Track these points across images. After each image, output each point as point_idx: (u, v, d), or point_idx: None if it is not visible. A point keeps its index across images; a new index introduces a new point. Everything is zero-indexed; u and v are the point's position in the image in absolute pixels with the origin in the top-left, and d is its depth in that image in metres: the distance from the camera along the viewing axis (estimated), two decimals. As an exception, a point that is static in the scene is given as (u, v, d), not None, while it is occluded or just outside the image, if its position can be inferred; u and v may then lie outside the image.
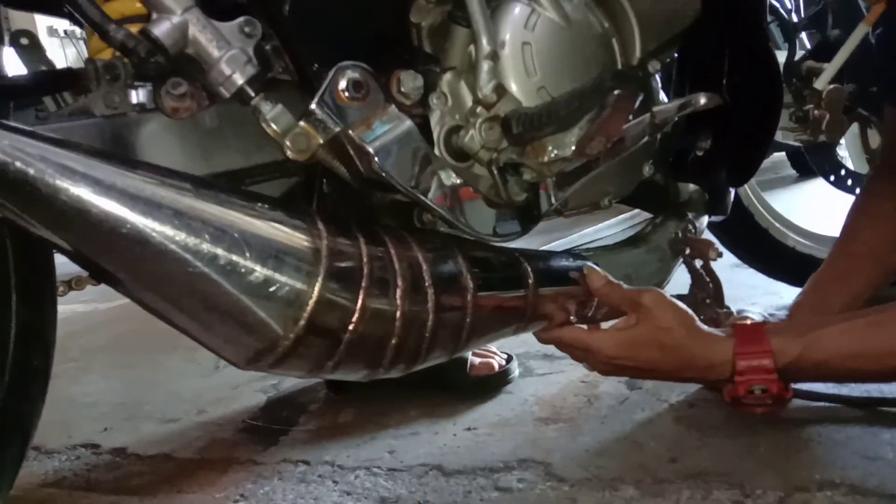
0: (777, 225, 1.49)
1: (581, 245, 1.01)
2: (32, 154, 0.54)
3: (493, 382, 1.22)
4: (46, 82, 0.68)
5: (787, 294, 1.57)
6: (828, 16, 1.29)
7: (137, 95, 0.67)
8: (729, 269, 1.56)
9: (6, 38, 0.77)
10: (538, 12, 0.78)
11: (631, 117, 0.69)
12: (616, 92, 0.62)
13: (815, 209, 1.83)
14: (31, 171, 0.54)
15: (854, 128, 1.37)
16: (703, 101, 0.76)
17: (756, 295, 1.60)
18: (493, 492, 0.88)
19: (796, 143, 1.34)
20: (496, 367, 1.23)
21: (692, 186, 1.08)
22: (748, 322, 0.89)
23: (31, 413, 0.69)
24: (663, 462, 0.89)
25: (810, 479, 0.81)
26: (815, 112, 1.26)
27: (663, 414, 1.03)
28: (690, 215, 1.09)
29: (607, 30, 0.84)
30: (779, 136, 1.25)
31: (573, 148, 0.67)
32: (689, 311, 0.84)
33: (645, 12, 0.86)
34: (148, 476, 1.09)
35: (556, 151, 0.68)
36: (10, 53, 0.78)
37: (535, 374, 1.26)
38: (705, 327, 0.82)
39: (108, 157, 0.58)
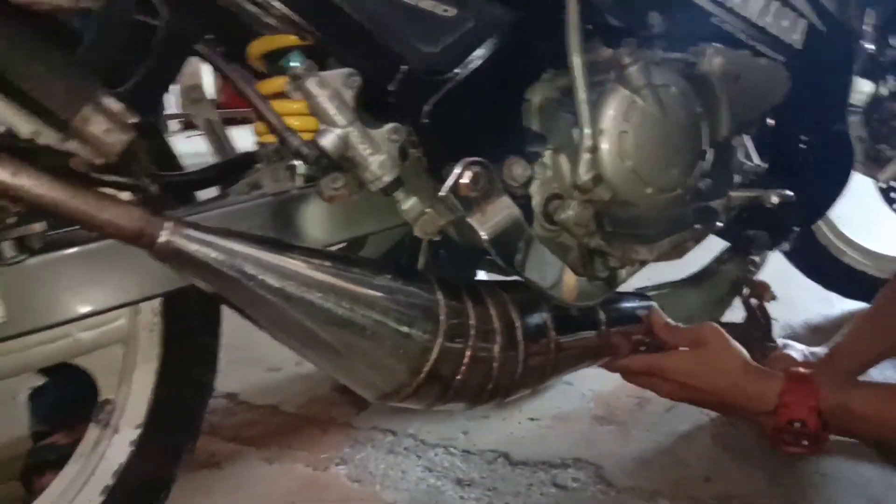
0: (837, 242, 1.57)
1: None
2: (218, 247, 0.69)
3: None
4: (229, 170, 0.83)
5: (837, 302, 1.67)
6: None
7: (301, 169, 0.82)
8: (785, 268, 1.65)
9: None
10: (637, 103, 0.88)
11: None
12: (696, 227, 0.74)
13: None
14: (217, 258, 0.69)
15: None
16: (774, 199, 0.87)
17: (808, 300, 1.70)
18: (552, 487, 1.06)
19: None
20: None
21: (757, 227, 1.19)
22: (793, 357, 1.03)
23: (202, 412, 0.88)
24: (698, 480, 1.05)
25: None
26: (888, 152, 1.33)
27: (704, 429, 1.19)
28: (753, 253, 1.20)
29: (699, 115, 0.93)
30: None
31: (655, 255, 0.79)
32: (743, 349, 0.97)
33: (737, 95, 0.95)
34: (260, 427, 1.31)
35: (640, 254, 0.81)
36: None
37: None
38: (755, 364, 0.95)
39: (281, 246, 0.73)
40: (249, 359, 1.58)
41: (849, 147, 1.11)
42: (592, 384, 1.35)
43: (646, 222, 0.76)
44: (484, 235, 0.81)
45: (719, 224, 1.00)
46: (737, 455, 1.11)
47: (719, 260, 1.19)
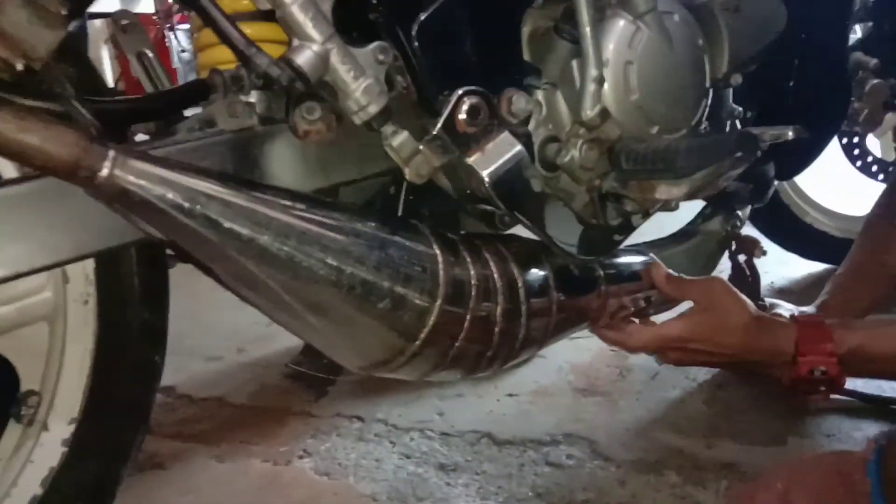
0: (799, 202, 1.55)
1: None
2: (176, 184, 0.55)
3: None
4: (175, 101, 0.69)
5: (795, 263, 1.65)
6: (883, 8, 1.30)
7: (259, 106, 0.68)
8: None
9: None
10: (642, 31, 0.79)
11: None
12: (738, 155, 0.65)
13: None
14: (175, 198, 0.55)
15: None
16: (790, 134, 0.80)
17: (768, 262, 1.67)
18: (546, 467, 0.97)
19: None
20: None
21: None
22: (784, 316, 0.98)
23: (151, 400, 0.73)
24: (701, 448, 0.98)
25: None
26: (855, 104, 1.30)
27: (694, 394, 1.12)
28: (736, 207, 1.14)
29: (701, 47, 0.85)
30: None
31: (683, 194, 0.70)
32: (748, 299, 0.90)
33: (737, 28, 0.88)
34: (207, 422, 1.16)
35: (665, 194, 0.72)
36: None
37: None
38: (765, 314, 0.90)
39: (253, 186, 0.60)
40: (184, 348, 1.42)
41: (846, 93, 1.06)
42: (568, 356, 1.27)
43: (675, 155, 0.67)
44: (486, 178, 0.70)
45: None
46: (734, 418, 1.04)
47: (703, 216, 1.13)
